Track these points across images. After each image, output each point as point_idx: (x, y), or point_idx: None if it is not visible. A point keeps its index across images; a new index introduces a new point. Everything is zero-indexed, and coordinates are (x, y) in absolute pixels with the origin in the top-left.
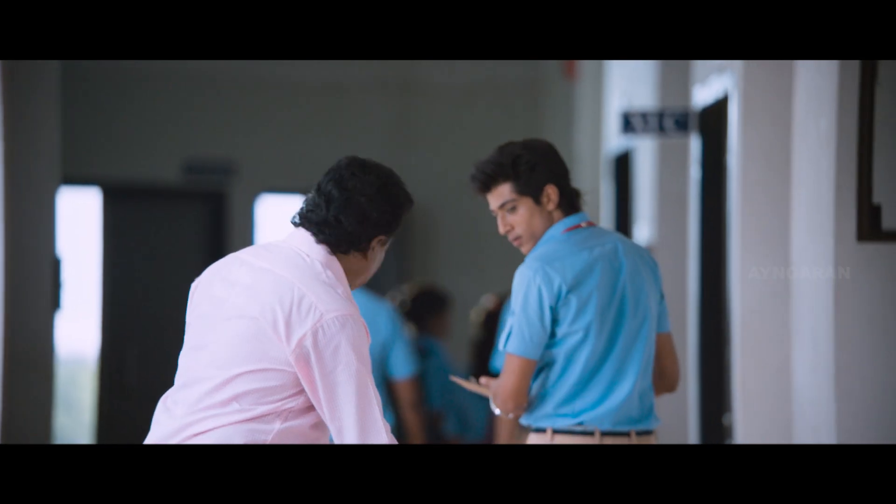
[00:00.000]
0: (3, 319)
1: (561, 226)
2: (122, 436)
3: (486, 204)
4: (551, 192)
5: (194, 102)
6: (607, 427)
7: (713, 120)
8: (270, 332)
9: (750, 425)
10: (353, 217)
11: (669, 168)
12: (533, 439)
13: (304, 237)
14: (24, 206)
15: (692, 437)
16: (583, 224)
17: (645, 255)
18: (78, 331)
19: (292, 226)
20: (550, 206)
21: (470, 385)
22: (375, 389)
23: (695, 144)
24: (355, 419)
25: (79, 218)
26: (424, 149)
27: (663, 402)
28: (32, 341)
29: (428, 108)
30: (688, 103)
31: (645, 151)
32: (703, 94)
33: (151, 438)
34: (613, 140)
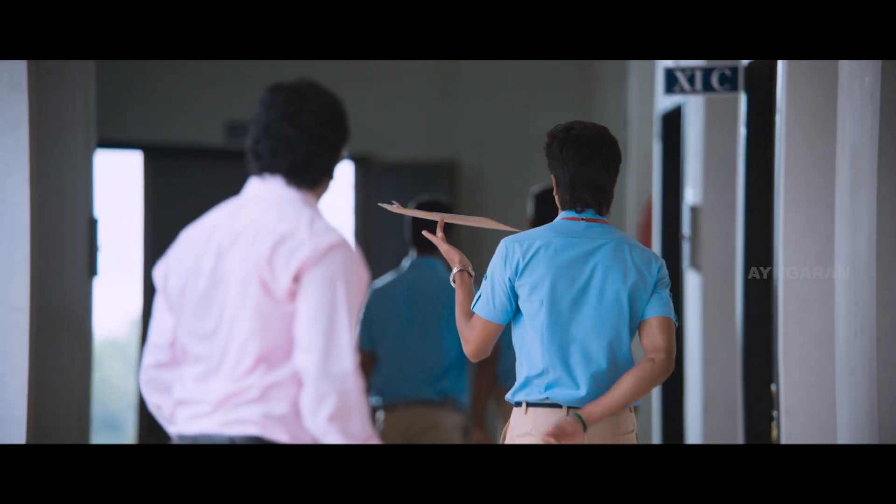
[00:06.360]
0: (30, 282)
1: (563, 214)
2: None
3: (532, 168)
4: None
5: (236, 63)
6: (573, 404)
7: (761, 76)
8: (270, 284)
9: (794, 392)
10: (321, 150)
11: (719, 126)
12: (515, 413)
13: (277, 184)
14: (58, 167)
15: (739, 404)
16: (583, 220)
17: (639, 256)
18: (124, 292)
19: (255, 177)
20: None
21: (398, 209)
22: (355, 323)
23: (742, 102)
24: (323, 344)
25: (122, 181)
26: (470, 111)
27: (712, 369)
28: (68, 305)
29: (475, 70)
30: (736, 60)
31: (695, 109)
32: None
33: (188, 417)
34: (664, 99)
